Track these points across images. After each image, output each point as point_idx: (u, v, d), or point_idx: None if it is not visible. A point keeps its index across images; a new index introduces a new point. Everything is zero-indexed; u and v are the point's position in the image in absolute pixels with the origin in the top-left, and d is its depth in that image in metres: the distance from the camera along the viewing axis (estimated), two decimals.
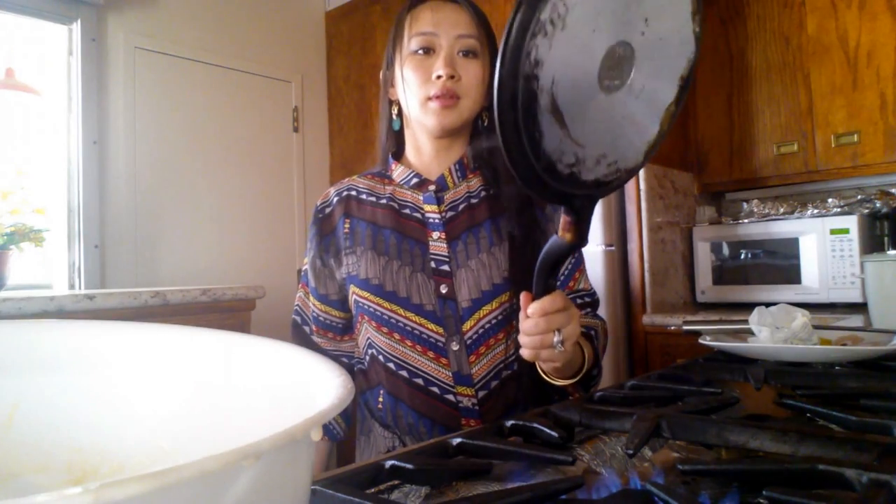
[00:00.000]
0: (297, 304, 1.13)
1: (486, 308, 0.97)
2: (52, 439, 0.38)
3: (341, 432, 1.10)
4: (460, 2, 1.01)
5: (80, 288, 2.47)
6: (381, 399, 1.01)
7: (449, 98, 0.97)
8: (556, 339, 0.75)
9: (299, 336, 1.11)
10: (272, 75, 3.16)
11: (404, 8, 1.03)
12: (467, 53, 0.99)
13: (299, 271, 1.17)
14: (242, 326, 2.11)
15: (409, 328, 0.97)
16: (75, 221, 2.49)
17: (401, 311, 0.97)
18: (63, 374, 0.40)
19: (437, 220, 1.01)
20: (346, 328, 1.09)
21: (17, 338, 0.40)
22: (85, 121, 2.51)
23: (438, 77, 0.96)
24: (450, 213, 1.02)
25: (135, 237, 2.64)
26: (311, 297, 1.09)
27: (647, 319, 2.24)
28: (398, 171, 1.06)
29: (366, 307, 1.00)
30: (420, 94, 0.98)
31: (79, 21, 2.51)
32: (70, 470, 0.38)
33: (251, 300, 2.14)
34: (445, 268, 0.99)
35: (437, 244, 1.00)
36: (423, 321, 0.97)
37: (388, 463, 0.52)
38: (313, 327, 1.10)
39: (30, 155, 2.59)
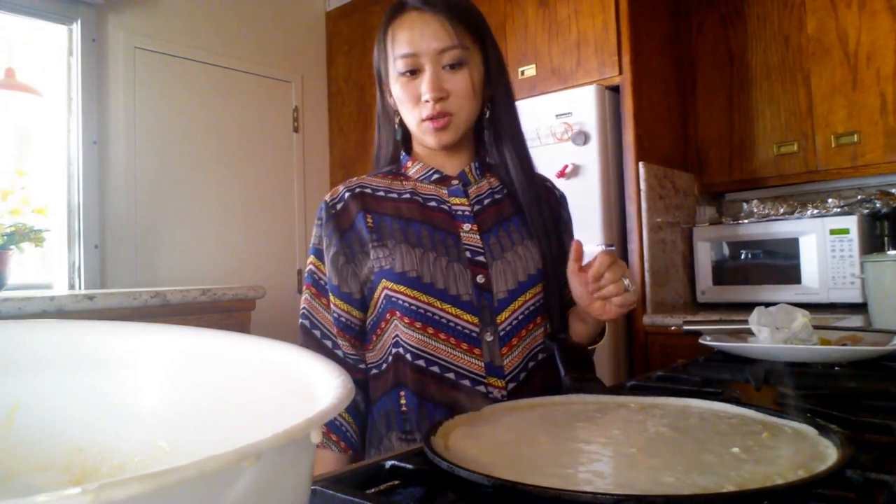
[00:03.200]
0: (305, 308, 1.06)
1: (521, 299, 0.98)
2: (52, 439, 0.38)
3: (357, 442, 1.02)
4: (437, 8, 0.97)
5: (80, 288, 2.47)
6: (403, 401, 0.97)
7: (441, 118, 0.97)
8: (626, 282, 0.88)
9: (311, 341, 1.05)
10: (272, 75, 3.16)
11: (384, 22, 1.01)
12: (453, 66, 0.97)
13: (300, 271, 1.14)
14: (242, 326, 2.11)
15: (444, 320, 0.96)
16: (75, 221, 2.49)
17: (437, 304, 0.96)
18: (63, 374, 0.40)
19: (467, 213, 1.02)
20: (362, 332, 1.04)
21: (17, 338, 0.40)
22: (85, 121, 2.51)
23: (426, 101, 0.97)
24: (476, 207, 1.03)
25: (135, 237, 2.64)
26: (333, 297, 1.02)
27: (647, 319, 2.24)
28: (415, 168, 1.06)
29: (399, 302, 0.96)
30: (415, 116, 0.99)
31: (79, 21, 2.51)
32: (70, 470, 0.38)
33: (251, 300, 2.14)
34: (481, 258, 0.99)
35: (470, 235, 1.00)
36: (460, 312, 0.96)
37: (388, 463, 0.52)
38: (335, 330, 1.03)
39: (30, 155, 2.59)
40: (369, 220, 1.01)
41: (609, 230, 2.27)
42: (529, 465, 0.48)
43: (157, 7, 2.75)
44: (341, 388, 0.29)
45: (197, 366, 0.40)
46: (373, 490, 0.48)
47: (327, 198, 1.06)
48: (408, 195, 1.03)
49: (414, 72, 0.98)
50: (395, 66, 0.99)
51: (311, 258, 1.06)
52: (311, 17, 3.38)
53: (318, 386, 0.31)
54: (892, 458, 0.51)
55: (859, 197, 2.24)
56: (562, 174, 2.27)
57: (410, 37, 0.97)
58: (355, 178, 1.08)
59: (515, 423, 0.60)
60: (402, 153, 1.08)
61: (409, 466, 0.50)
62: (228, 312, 2.06)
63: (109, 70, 2.60)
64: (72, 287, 2.48)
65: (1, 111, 2.41)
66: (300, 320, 1.07)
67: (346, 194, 1.04)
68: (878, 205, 2.16)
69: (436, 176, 1.04)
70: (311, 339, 1.05)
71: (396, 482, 0.50)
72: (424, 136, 1.00)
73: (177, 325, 0.42)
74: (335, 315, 1.03)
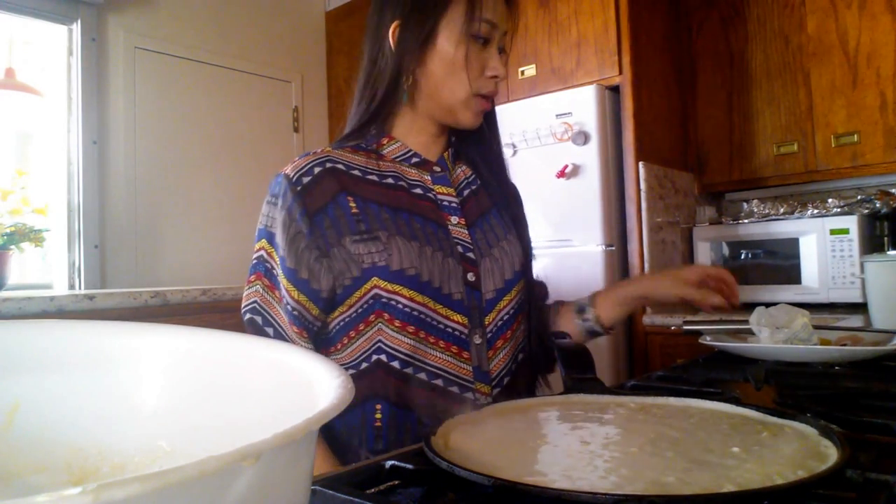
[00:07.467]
0: (256, 301, 0.90)
1: (507, 298, 0.94)
2: (52, 439, 0.38)
3: None
4: None
5: (80, 288, 2.47)
6: (378, 415, 0.86)
7: (491, 100, 0.94)
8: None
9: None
10: (272, 75, 3.16)
11: None
12: (501, 50, 0.94)
13: None
14: (242, 326, 2.11)
15: (435, 322, 0.87)
16: (75, 221, 2.49)
17: (431, 304, 0.86)
18: (63, 374, 0.40)
19: (454, 204, 0.94)
20: (316, 332, 0.90)
21: (17, 338, 0.40)
22: (85, 121, 2.51)
23: (493, 76, 0.91)
24: (460, 198, 0.97)
25: (135, 237, 2.64)
26: (287, 283, 0.87)
27: (647, 319, 2.24)
28: (392, 147, 0.95)
29: (393, 304, 0.85)
30: (466, 87, 0.90)
31: (79, 21, 2.51)
32: (70, 470, 0.38)
33: None
34: (471, 255, 0.92)
35: (458, 229, 0.92)
36: (450, 312, 0.88)
37: (388, 463, 0.52)
38: (291, 330, 0.88)
39: (30, 155, 2.59)
40: (353, 204, 0.87)
41: (609, 230, 2.27)
42: (529, 464, 0.48)
43: (157, 7, 2.75)
44: (341, 388, 0.29)
45: (197, 366, 0.40)
46: (373, 490, 0.48)
47: (289, 171, 0.90)
48: (391, 179, 0.92)
49: (486, 41, 0.91)
50: (470, 27, 0.89)
51: (262, 243, 0.92)
52: (311, 17, 3.38)
53: (318, 386, 0.31)
54: (892, 458, 0.51)
55: (859, 197, 2.24)
56: (562, 174, 2.27)
57: (496, 6, 0.91)
58: (320, 150, 0.93)
59: (515, 422, 0.60)
60: (381, 126, 0.95)
61: (409, 466, 0.50)
62: (228, 312, 2.06)
63: (109, 70, 2.60)
64: (72, 287, 2.48)
65: (1, 111, 2.41)
66: (248, 315, 0.92)
67: (317, 169, 0.89)
68: (878, 205, 2.16)
69: (416, 159, 0.95)
70: (262, 336, 0.89)
71: (396, 482, 0.50)
72: (464, 112, 0.92)
73: (177, 325, 0.42)
74: (288, 307, 0.87)
